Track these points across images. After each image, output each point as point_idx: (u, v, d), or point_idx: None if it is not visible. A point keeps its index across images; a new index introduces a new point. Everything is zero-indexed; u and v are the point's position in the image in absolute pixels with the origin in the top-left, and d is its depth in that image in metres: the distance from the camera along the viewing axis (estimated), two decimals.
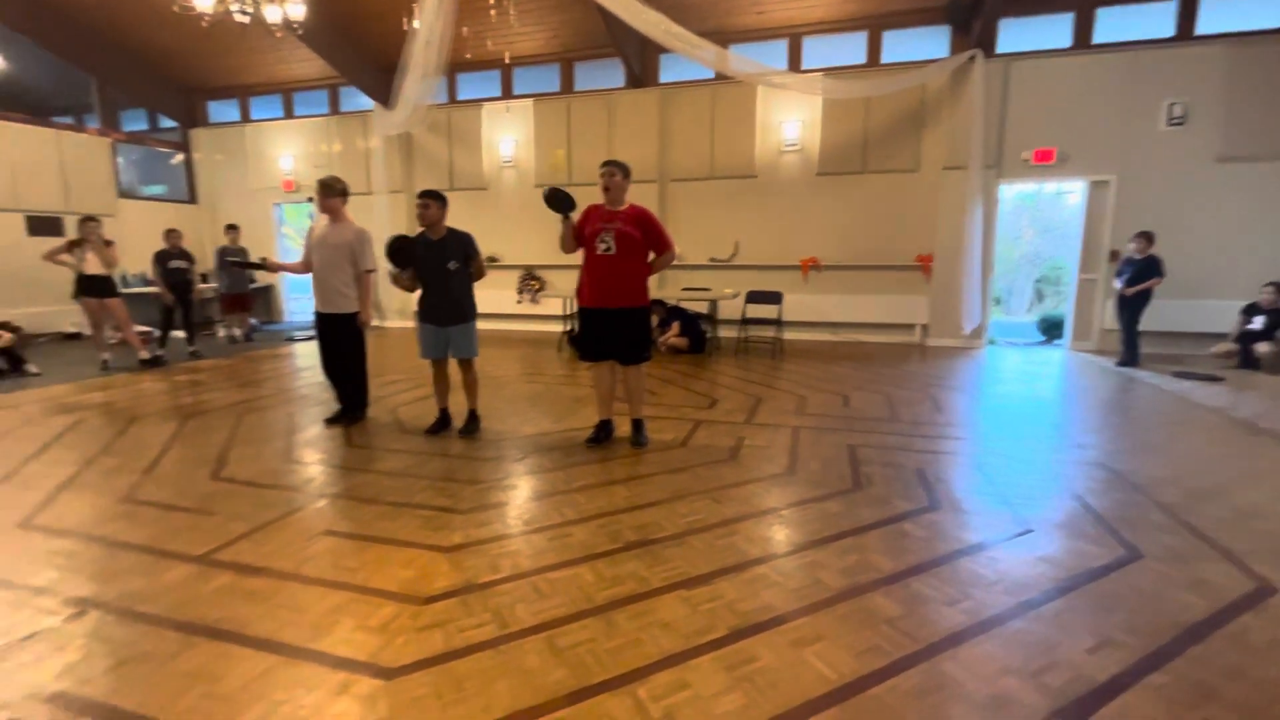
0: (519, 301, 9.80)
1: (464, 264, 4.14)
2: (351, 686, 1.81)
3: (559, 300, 8.73)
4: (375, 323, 4.46)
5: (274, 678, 1.85)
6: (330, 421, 4.56)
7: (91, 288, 6.47)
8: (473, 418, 4.39)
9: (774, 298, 7.68)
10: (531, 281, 9.71)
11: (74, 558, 2.60)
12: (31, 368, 6.48)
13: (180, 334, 8.06)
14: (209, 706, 1.73)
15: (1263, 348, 6.42)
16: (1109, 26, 7.47)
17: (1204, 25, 7.17)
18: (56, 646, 2.01)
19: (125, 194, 10.39)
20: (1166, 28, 7.31)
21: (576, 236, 3.88)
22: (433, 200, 4.04)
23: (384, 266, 4.17)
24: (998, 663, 1.89)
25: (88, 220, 6.43)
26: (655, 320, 7.47)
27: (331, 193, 4.25)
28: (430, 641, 2.01)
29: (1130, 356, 6.75)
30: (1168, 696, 1.75)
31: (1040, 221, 13.58)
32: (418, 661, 1.91)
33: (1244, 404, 5.10)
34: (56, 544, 2.73)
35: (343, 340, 4.42)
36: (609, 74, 9.25)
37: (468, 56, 8.51)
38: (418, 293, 4.22)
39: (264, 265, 4.61)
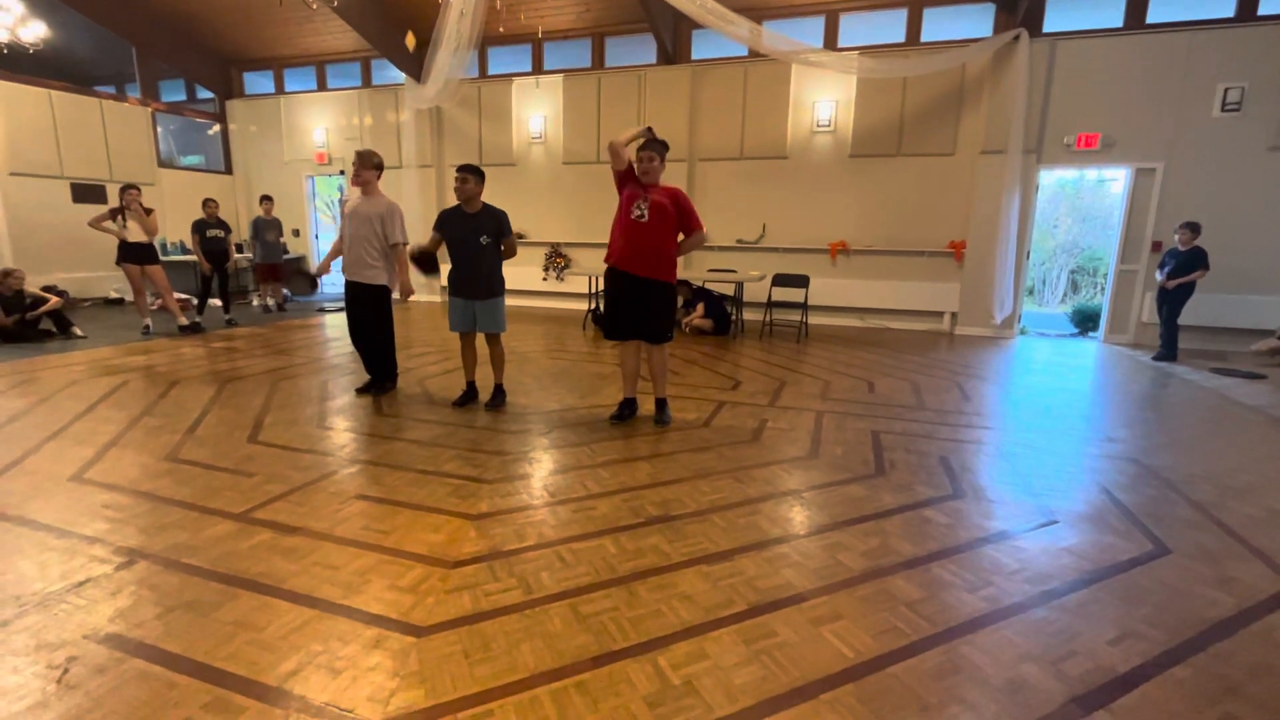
0: (545, 279, 9.85)
1: (495, 240, 4.18)
2: (384, 642, 1.89)
3: (585, 278, 8.75)
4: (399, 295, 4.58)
5: (312, 630, 1.94)
6: (361, 391, 4.68)
7: (134, 254, 6.66)
8: (499, 391, 4.46)
9: (801, 281, 7.60)
10: (558, 259, 9.74)
11: (122, 511, 2.74)
12: (77, 331, 6.73)
13: (217, 302, 8.30)
14: (252, 654, 1.83)
15: None
16: (1164, 6, 7.13)
17: (1268, 5, 6.82)
18: (109, 592, 2.13)
19: (164, 164, 10.62)
20: (1226, 7, 6.97)
21: (619, 185, 3.90)
22: (470, 175, 4.06)
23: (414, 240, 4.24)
24: (1017, 649, 1.90)
25: (129, 188, 6.59)
26: (680, 301, 7.46)
27: (367, 165, 4.31)
28: (459, 603, 2.08)
29: (1168, 351, 6.57)
30: (1189, 690, 1.75)
31: (1079, 210, 13.14)
32: (447, 621, 1.98)
33: None
34: (106, 497, 2.87)
35: (369, 311, 4.50)
36: (641, 50, 9.13)
37: (500, 30, 8.47)
38: (447, 266, 4.28)
39: (319, 273, 5.03)
